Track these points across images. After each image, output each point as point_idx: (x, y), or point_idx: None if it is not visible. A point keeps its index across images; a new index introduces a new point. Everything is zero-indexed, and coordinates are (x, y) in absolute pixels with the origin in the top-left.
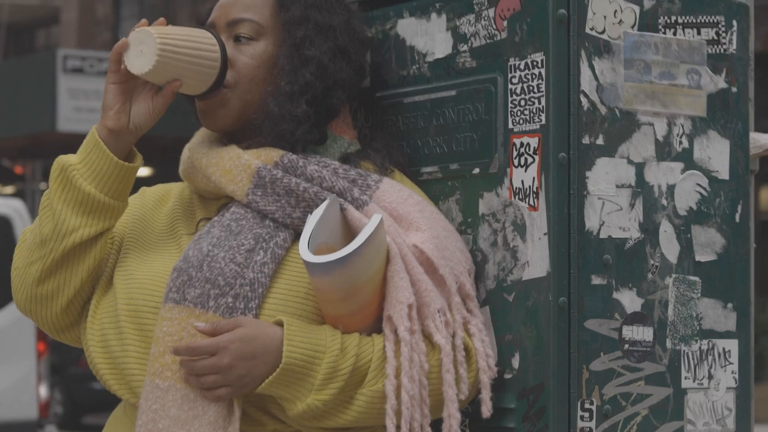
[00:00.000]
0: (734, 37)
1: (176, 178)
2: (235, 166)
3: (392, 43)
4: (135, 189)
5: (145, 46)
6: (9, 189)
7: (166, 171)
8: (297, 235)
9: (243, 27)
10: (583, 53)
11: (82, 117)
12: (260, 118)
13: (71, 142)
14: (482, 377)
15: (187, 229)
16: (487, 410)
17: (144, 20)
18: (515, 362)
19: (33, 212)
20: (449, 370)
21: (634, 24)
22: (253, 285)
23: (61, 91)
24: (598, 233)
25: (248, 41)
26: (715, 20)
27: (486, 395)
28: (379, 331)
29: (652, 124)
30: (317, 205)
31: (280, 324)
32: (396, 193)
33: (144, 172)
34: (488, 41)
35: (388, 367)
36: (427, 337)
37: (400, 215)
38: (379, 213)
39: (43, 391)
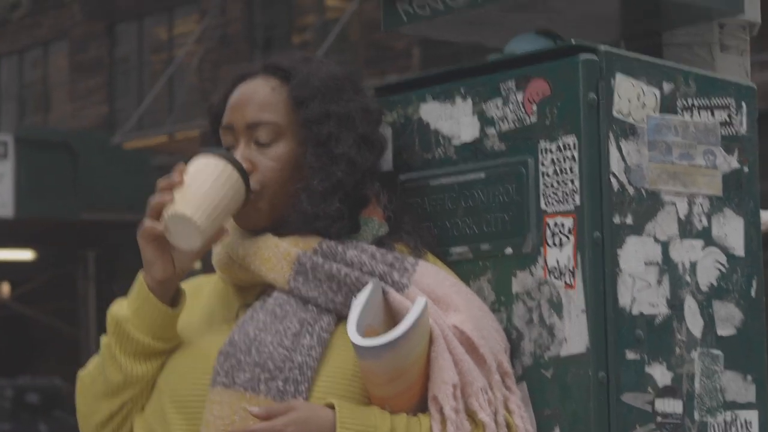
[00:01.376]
0: (744, 119)
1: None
2: (273, 255)
3: (415, 126)
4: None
5: (184, 226)
6: None
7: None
8: (340, 319)
9: (262, 131)
10: (611, 135)
11: None
12: (293, 216)
13: None
14: None
15: (225, 317)
16: None
17: (170, 181)
18: None
19: None
20: None
21: (656, 107)
22: (302, 368)
23: None
24: (631, 309)
25: (269, 146)
26: (727, 102)
27: None
28: (424, 410)
29: (674, 204)
30: (358, 290)
31: (331, 406)
32: (433, 276)
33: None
34: (517, 125)
35: None
36: (471, 416)
37: (439, 297)
38: (421, 296)
39: None
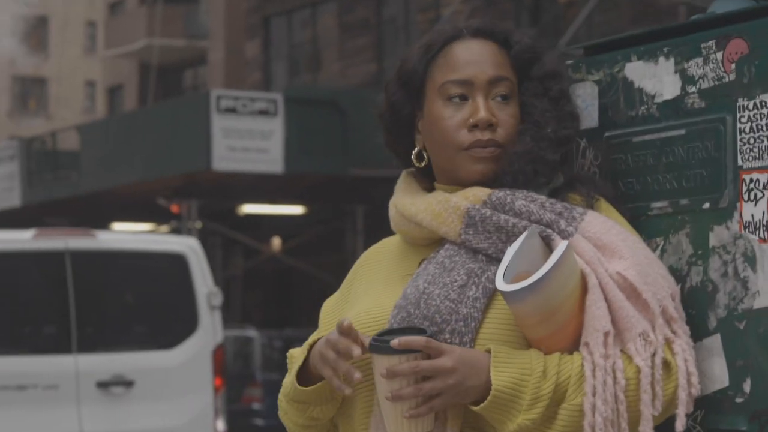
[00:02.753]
0: None
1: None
2: (444, 209)
3: (620, 85)
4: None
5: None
6: (164, 228)
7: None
8: None
9: (503, 86)
10: None
11: (236, 156)
12: (510, 153)
13: (225, 181)
14: (680, 393)
15: (405, 273)
16: (681, 425)
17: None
18: (746, 387)
19: None
20: (646, 391)
21: None
22: (467, 320)
23: (215, 130)
24: None
25: (507, 100)
26: None
27: (682, 410)
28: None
29: None
30: None
31: (488, 351)
32: (600, 224)
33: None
34: (716, 83)
35: (586, 386)
36: (628, 360)
37: (604, 244)
38: (582, 243)
39: (220, 425)
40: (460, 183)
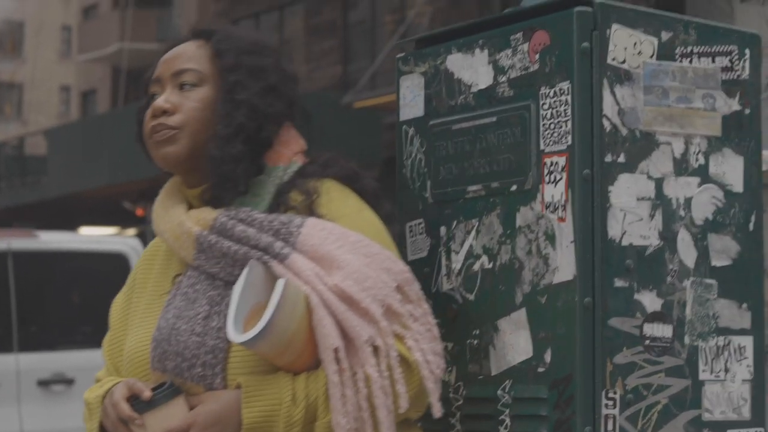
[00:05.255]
0: (747, 65)
1: None
2: (181, 233)
3: (442, 76)
4: None
5: None
6: (131, 231)
7: None
8: None
9: (187, 75)
10: (605, 81)
11: None
12: (204, 158)
13: None
14: (427, 384)
15: (166, 287)
16: (437, 411)
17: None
18: (547, 357)
19: None
20: (378, 396)
21: (653, 54)
22: (215, 352)
23: None
24: (621, 241)
25: (192, 88)
26: (729, 49)
27: (433, 399)
28: None
29: (670, 144)
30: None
31: (240, 387)
32: (317, 234)
33: None
34: (523, 72)
35: (331, 402)
36: (361, 369)
37: (321, 256)
38: (300, 262)
39: None
40: (178, 176)
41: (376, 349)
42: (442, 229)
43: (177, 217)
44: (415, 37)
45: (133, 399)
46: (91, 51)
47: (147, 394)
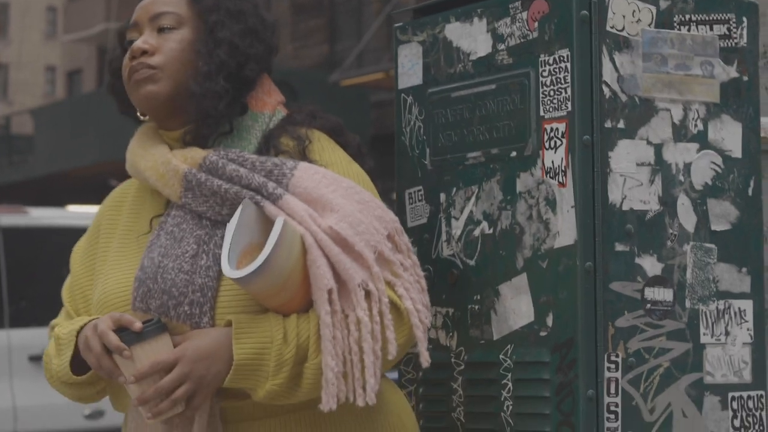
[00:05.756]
0: (744, 32)
1: None
2: (167, 171)
3: (441, 45)
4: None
5: None
6: None
7: None
8: None
9: (165, 19)
10: (604, 48)
11: None
12: (185, 99)
13: None
14: (416, 332)
15: (143, 228)
16: (425, 360)
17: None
18: (549, 321)
19: None
20: (366, 340)
21: (651, 22)
22: (203, 290)
23: None
24: (621, 206)
25: (171, 30)
26: (727, 17)
27: (422, 347)
28: None
29: (669, 110)
30: (239, 204)
31: (229, 324)
32: (310, 177)
33: None
34: (522, 40)
35: (321, 343)
36: (350, 312)
37: (315, 199)
38: (293, 203)
39: None
40: (156, 121)
41: (367, 294)
42: (442, 196)
43: (161, 156)
44: (412, 7)
45: (120, 331)
46: (77, 31)
47: (138, 325)
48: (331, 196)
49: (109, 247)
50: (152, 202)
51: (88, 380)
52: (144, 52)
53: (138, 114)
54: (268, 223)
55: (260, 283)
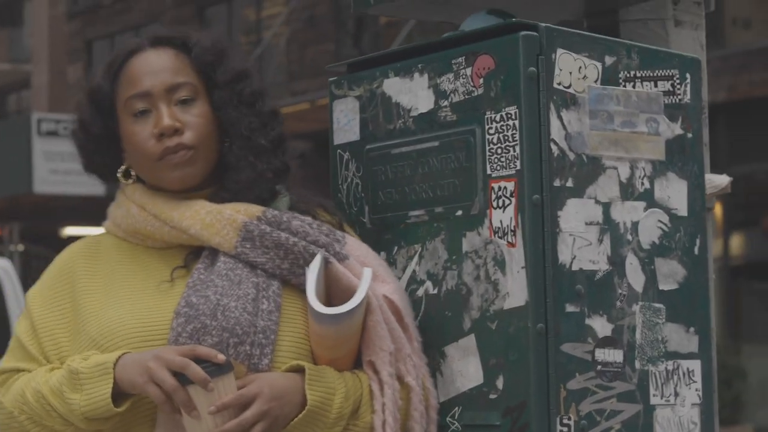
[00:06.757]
0: (688, 89)
1: None
2: (217, 220)
3: (379, 100)
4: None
5: None
6: None
7: None
8: (285, 285)
9: (184, 90)
10: (552, 106)
11: (57, 179)
12: (237, 176)
13: (47, 204)
14: (431, 414)
15: (161, 276)
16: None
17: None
18: (499, 383)
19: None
20: (416, 408)
21: (598, 79)
22: (266, 333)
23: (36, 153)
24: (571, 266)
25: (192, 102)
26: (670, 73)
27: (433, 429)
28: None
29: (616, 168)
30: (304, 258)
31: (295, 369)
32: (359, 247)
33: None
34: (466, 97)
35: (376, 403)
36: (399, 379)
37: (367, 267)
38: (366, 268)
39: None
40: (177, 190)
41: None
42: (382, 255)
43: (205, 206)
44: (347, 62)
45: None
46: None
47: (222, 357)
48: (380, 268)
49: (96, 291)
50: (159, 257)
51: (114, 413)
52: (175, 130)
53: (119, 175)
54: (326, 282)
55: (342, 327)
